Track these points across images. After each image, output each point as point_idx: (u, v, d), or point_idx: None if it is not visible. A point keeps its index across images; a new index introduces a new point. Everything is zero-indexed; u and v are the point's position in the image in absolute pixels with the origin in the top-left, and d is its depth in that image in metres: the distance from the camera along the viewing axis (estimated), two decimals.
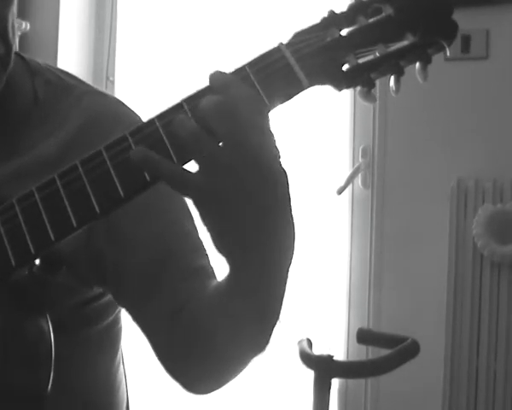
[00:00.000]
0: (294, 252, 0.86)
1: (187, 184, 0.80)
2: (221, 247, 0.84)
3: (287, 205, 0.83)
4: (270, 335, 0.93)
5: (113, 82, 3.14)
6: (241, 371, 0.99)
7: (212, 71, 0.82)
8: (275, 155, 0.81)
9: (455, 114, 2.64)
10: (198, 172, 0.80)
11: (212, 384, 1.03)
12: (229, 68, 0.83)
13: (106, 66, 3.13)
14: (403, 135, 2.71)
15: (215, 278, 1.03)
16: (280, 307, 0.90)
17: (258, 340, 0.94)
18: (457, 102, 2.63)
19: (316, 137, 2.83)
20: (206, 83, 0.82)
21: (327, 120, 2.81)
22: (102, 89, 1.23)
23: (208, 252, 1.06)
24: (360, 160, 2.77)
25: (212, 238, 0.84)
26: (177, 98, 0.83)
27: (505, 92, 2.58)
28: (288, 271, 0.87)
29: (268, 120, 0.81)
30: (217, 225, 0.82)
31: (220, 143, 0.79)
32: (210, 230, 0.83)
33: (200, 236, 1.07)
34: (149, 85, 3.10)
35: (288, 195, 0.82)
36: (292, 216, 0.83)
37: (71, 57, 3.06)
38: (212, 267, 1.05)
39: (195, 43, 3.03)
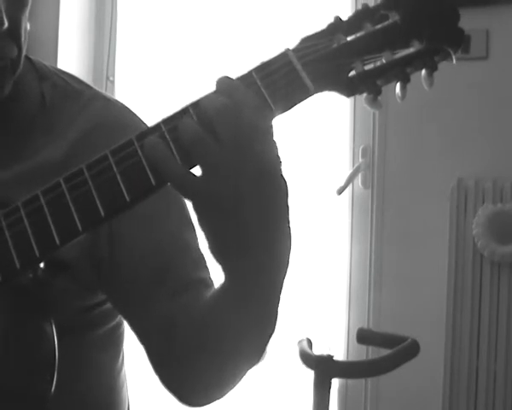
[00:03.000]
0: (290, 262, 0.86)
1: (188, 186, 0.80)
2: (217, 252, 0.84)
3: (285, 214, 0.83)
4: (266, 345, 0.93)
5: (113, 82, 3.14)
6: (236, 382, 0.99)
7: (219, 76, 0.82)
8: (276, 162, 0.81)
9: (455, 114, 2.63)
10: (201, 176, 0.80)
11: (207, 396, 1.02)
12: (233, 71, 0.83)
13: (106, 66, 3.13)
14: (403, 135, 2.71)
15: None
16: (276, 317, 0.90)
17: (254, 349, 0.94)
18: (457, 102, 2.63)
19: (316, 137, 2.82)
20: (212, 88, 0.82)
21: (327, 119, 2.81)
22: (103, 89, 1.23)
23: (209, 265, 1.06)
24: (360, 160, 2.77)
25: (209, 243, 0.84)
26: (177, 99, 0.83)
27: (505, 92, 2.58)
28: (283, 281, 0.87)
29: (272, 128, 0.81)
30: (214, 229, 0.83)
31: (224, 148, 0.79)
32: (207, 234, 0.83)
33: (200, 248, 1.06)
34: (149, 85, 3.10)
35: (287, 204, 0.82)
36: (289, 227, 0.83)
37: (71, 57, 3.06)
38: (211, 280, 1.04)
39: (196, 44, 3.02)
